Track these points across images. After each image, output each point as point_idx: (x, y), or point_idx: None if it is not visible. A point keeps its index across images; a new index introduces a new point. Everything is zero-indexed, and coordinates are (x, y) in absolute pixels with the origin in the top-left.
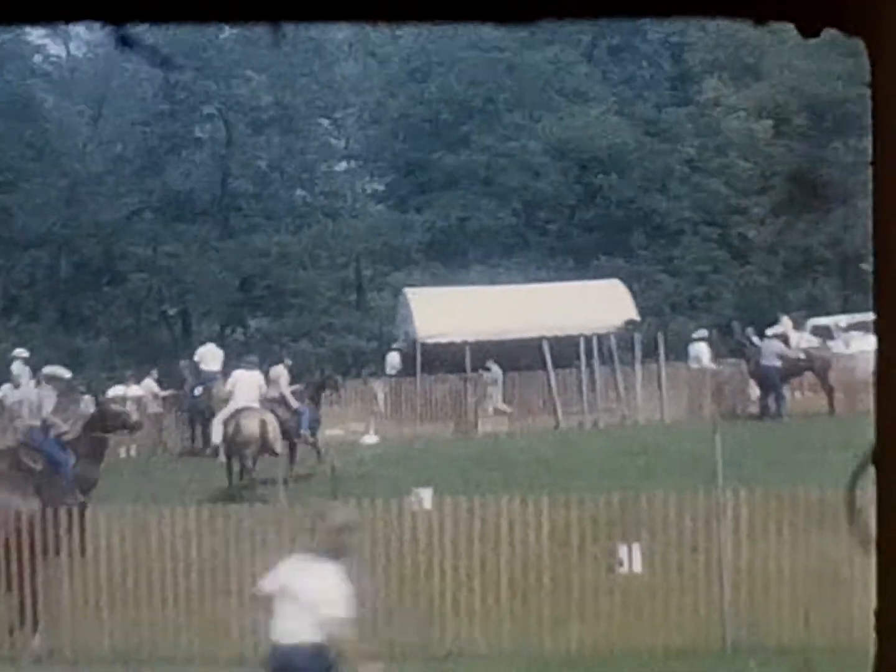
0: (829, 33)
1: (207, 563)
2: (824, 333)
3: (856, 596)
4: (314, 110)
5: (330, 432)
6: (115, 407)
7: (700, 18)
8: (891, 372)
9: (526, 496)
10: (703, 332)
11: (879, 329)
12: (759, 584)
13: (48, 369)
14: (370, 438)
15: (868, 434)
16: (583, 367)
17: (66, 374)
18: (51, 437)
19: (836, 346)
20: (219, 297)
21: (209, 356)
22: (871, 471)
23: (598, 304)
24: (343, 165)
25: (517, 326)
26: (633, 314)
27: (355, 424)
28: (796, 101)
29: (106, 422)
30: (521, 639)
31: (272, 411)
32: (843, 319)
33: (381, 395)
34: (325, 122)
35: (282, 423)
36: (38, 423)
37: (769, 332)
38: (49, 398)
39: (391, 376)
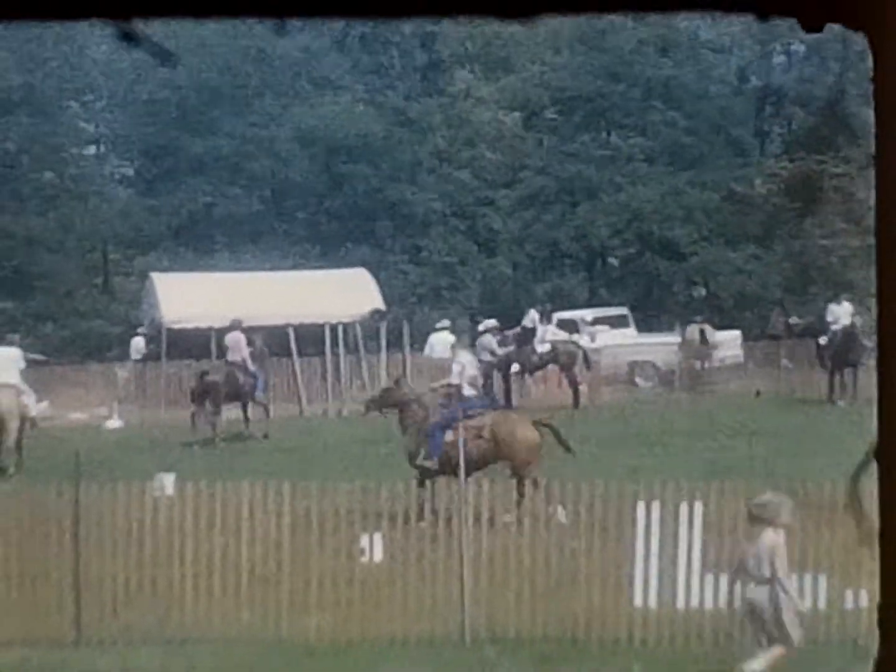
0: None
1: None
2: (570, 327)
3: (592, 587)
4: (64, 93)
5: (74, 416)
6: None
7: (703, 13)
8: (891, 370)
9: (268, 483)
10: (446, 322)
11: (880, 327)
12: (498, 575)
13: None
14: (114, 423)
15: (611, 427)
16: (328, 356)
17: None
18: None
19: (582, 339)
20: None
21: None
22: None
23: (344, 293)
24: (92, 149)
25: (263, 313)
26: (379, 303)
27: (99, 409)
28: (546, 94)
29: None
30: (261, 626)
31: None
32: (588, 313)
33: (124, 380)
34: (75, 104)
35: (240, 386)
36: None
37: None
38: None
39: (136, 361)
